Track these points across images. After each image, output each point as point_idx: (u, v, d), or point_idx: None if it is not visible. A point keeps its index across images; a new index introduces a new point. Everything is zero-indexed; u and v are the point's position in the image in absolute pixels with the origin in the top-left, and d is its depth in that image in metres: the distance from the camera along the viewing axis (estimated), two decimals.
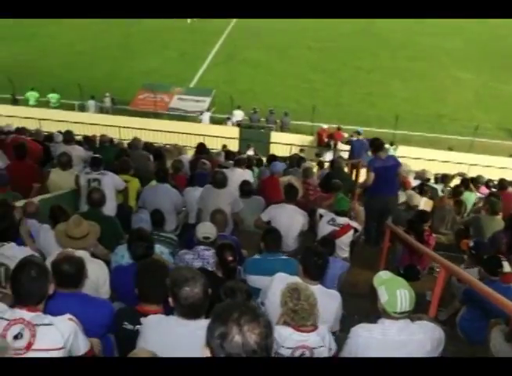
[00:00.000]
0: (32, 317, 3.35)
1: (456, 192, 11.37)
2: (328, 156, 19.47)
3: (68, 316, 3.46)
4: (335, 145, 20.88)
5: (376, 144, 9.18)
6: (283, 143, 20.53)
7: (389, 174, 9.04)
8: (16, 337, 3.25)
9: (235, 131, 22.14)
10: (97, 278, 4.86)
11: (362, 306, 6.36)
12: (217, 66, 31.05)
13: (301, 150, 19.66)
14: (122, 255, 5.95)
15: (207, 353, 2.14)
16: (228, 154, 13.86)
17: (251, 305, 2.28)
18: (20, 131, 12.51)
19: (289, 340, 3.80)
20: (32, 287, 3.41)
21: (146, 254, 5.04)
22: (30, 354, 3.25)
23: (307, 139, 22.39)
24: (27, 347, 3.24)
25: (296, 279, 4.69)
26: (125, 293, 4.80)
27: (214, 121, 24.46)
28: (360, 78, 29.51)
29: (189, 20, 38.85)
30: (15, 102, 25.67)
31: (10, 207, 5.61)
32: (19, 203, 7.04)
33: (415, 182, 12.50)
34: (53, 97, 25.82)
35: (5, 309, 3.45)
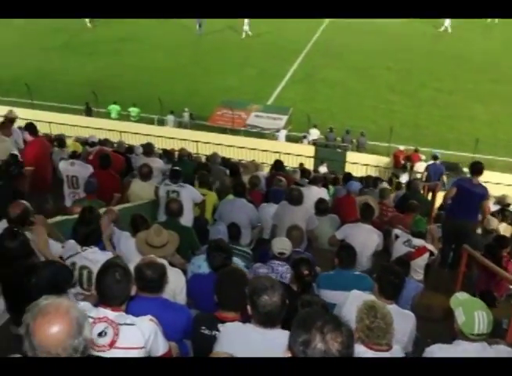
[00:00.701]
0: (116, 316, 3.50)
1: None
2: (404, 178, 19.23)
3: (149, 317, 3.60)
4: (411, 167, 20.62)
5: (476, 168, 8.97)
6: (359, 163, 20.44)
7: (473, 200, 8.87)
8: (100, 334, 3.41)
9: (310, 150, 22.19)
10: (175, 285, 4.99)
11: (434, 330, 6.26)
12: (295, 85, 31.20)
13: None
14: (199, 265, 6.08)
15: None
16: (304, 172, 13.93)
17: (334, 314, 2.32)
18: (104, 142, 12.94)
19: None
20: (116, 288, 3.57)
21: (225, 265, 5.14)
22: (113, 351, 3.39)
23: (383, 160, 22.19)
24: (110, 344, 3.39)
25: (371, 297, 4.68)
26: (203, 300, 4.92)
27: (290, 138, 24.57)
28: (440, 100, 29.02)
29: (243, 34, 39.59)
30: (88, 112, 26.48)
31: (96, 213, 5.82)
32: (102, 210, 7.31)
33: (494, 207, 12.18)
34: (134, 111, 26.54)
35: (90, 307, 3.62)
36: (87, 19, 41.66)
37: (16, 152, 10.02)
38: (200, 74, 32.29)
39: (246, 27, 39.47)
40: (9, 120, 11.26)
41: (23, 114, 22.61)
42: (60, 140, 12.76)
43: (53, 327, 2.39)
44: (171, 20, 40.95)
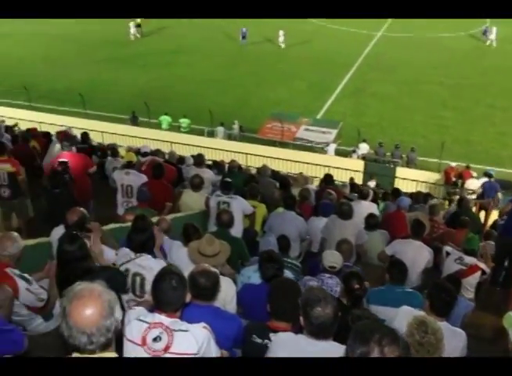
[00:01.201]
0: (170, 323, 3.57)
1: None
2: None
3: (203, 324, 3.66)
4: (462, 184, 20.29)
5: None
6: (409, 179, 20.22)
7: None
8: (155, 339, 3.49)
9: (360, 165, 22.04)
10: (225, 294, 5.05)
11: (485, 349, 6.16)
12: (345, 99, 31.11)
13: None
14: (248, 276, 6.13)
15: None
16: (354, 186, 13.89)
17: (391, 327, 2.33)
18: (156, 152, 13.17)
19: None
20: (172, 295, 3.65)
21: (277, 275, 5.18)
22: (167, 356, 3.46)
23: (433, 177, 21.87)
24: (164, 349, 3.47)
25: (422, 313, 4.65)
26: (254, 310, 4.97)
27: (339, 152, 24.49)
28: (493, 117, 28.50)
29: (282, 46, 39.76)
30: (134, 120, 26.88)
31: (148, 221, 5.94)
32: (154, 219, 7.44)
33: None
34: (184, 122, 26.80)
35: (145, 313, 3.71)
36: (131, 31, 42.62)
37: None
38: (250, 86, 32.56)
39: (281, 39, 39.84)
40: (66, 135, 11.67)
41: (77, 123, 23.30)
42: (113, 150, 13.06)
43: (87, 309, 2.64)
44: (222, 32, 41.51)
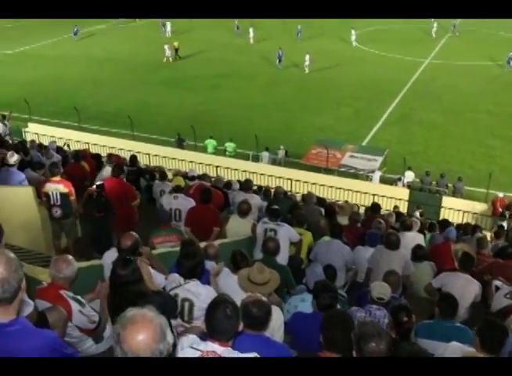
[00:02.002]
0: (223, 351, 3.62)
1: None
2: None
3: (254, 354, 3.69)
4: (510, 215, 19.93)
5: None
6: (455, 209, 19.98)
7: None
8: None
9: (405, 193, 21.85)
10: (274, 323, 5.07)
11: None
12: (391, 126, 30.95)
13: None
14: (295, 305, 6.15)
15: None
16: (399, 216, 13.78)
17: None
18: (203, 177, 13.32)
19: None
20: (226, 323, 3.70)
21: (332, 305, 5.19)
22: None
23: (480, 207, 21.55)
24: None
25: (472, 350, 4.60)
26: (304, 339, 4.98)
27: (384, 180, 24.34)
28: None
29: (306, 70, 39.84)
30: (180, 143, 27.15)
31: (198, 247, 6.02)
32: (202, 244, 7.52)
33: None
34: (230, 146, 26.94)
35: (198, 341, 3.76)
36: (166, 53, 43.34)
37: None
38: (296, 112, 32.69)
39: (306, 63, 40.01)
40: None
41: (125, 145, 23.75)
42: (162, 173, 13.22)
43: (141, 334, 2.69)
44: (266, 57, 41.86)
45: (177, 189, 10.86)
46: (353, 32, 46.92)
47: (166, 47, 43.37)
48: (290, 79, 38.69)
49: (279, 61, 41.40)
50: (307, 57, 39.76)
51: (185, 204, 10.12)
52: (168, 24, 51.68)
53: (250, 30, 48.06)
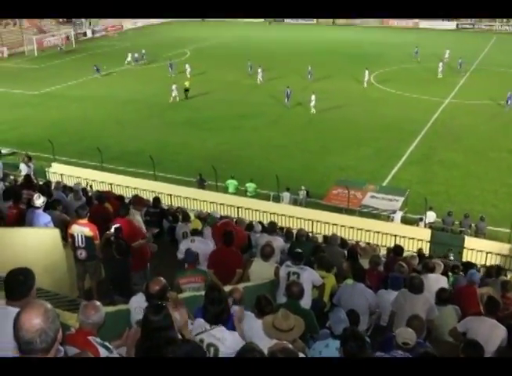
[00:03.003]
0: None
1: None
2: None
3: None
4: None
5: None
6: (478, 250, 19.78)
7: None
8: None
9: (427, 234, 21.70)
10: None
11: None
12: (411, 166, 30.93)
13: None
14: (320, 351, 6.15)
15: None
16: (422, 258, 13.71)
17: None
18: (226, 219, 13.40)
19: None
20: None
21: (359, 354, 5.17)
22: None
23: (504, 247, 21.30)
24: None
25: None
26: None
27: (405, 220, 24.24)
28: None
29: (312, 110, 40.05)
30: (201, 183, 27.25)
31: (224, 293, 6.06)
32: (226, 288, 7.55)
33: None
34: (250, 186, 27.01)
35: None
36: (173, 94, 43.85)
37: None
38: (317, 152, 32.86)
39: (312, 103, 40.28)
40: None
41: (147, 186, 23.98)
42: (185, 214, 13.34)
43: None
44: (292, 99, 42.25)
45: (194, 233, 10.92)
46: (366, 73, 47.31)
47: (173, 87, 43.96)
48: (311, 120, 38.95)
49: (287, 99, 42.01)
50: (312, 97, 40.16)
51: (202, 247, 10.24)
52: (174, 64, 53.16)
53: (259, 70, 48.93)
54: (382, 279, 10.51)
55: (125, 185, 23.83)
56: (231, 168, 29.16)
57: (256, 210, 22.07)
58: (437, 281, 10.31)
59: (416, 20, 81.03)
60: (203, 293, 7.39)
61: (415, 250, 18.31)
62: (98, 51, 67.74)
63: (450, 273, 12.80)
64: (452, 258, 17.51)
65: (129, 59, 58.10)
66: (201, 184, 27.17)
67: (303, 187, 26.24)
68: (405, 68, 52.52)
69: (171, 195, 23.51)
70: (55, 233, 10.32)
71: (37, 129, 37.93)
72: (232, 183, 27.09)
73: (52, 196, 14.34)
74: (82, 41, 75.25)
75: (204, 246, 10.46)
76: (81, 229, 10.68)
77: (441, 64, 49.77)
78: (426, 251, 19.40)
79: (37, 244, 10.08)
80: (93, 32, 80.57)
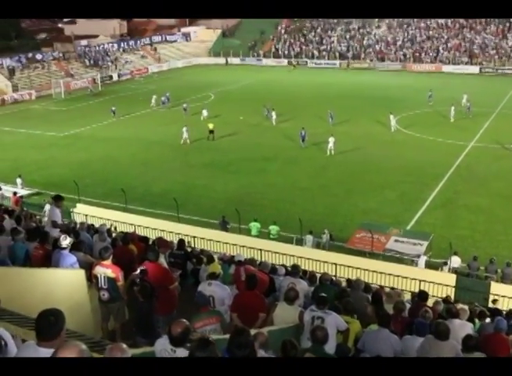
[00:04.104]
0: None
1: None
2: None
3: None
4: None
5: None
6: (505, 296, 19.45)
7: None
8: None
9: (451, 279, 21.43)
10: None
11: None
12: (435, 210, 30.73)
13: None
14: None
15: None
16: (446, 303, 13.53)
17: None
18: (250, 262, 13.39)
19: None
20: None
21: None
22: None
23: None
24: None
25: None
26: None
27: (429, 265, 23.98)
28: None
29: (327, 153, 40.15)
30: (224, 225, 27.26)
31: (250, 336, 6.02)
32: (252, 332, 7.52)
33: None
34: (273, 229, 26.97)
35: None
36: (183, 135, 44.37)
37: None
38: (340, 195, 32.92)
39: (330, 145, 40.62)
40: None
41: (171, 228, 24.08)
42: (209, 257, 13.37)
43: None
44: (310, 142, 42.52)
45: (211, 276, 10.86)
46: (391, 117, 47.23)
47: (184, 129, 44.38)
48: (335, 163, 39.05)
49: (303, 141, 42.75)
50: (330, 139, 40.54)
51: (218, 291, 10.25)
52: (188, 106, 54.32)
53: (273, 113, 49.60)
54: (407, 324, 10.37)
55: (149, 226, 23.93)
56: (254, 210, 29.29)
57: (279, 253, 22.00)
58: (462, 327, 10.17)
59: (439, 64, 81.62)
60: (221, 336, 7.42)
61: (440, 295, 18.07)
62: (123, 94, 69.07)
63: (476, 320, 12.60)
64: (477, 304, 17.22)
65: (153, 101, 58.95)
66: (224, 226, 27.22)
67: (326, 230, 26.18)
68: (427, 112, 52.59)
69: (194, 237, 23.56)
70: (80, 274, 10.41)
71: (63, 170, 38.55)
72: (255, 226, 27.11)
73: (79, 236, 14.48)
74: (108, 84, 76.68)
75: (221, 290, 10.46)
76: (104, 270, 10.78)
77: (452, 108, 49.45)
78: (451, 296, 19.14)
79: (62, 284, 10.17)
80: (119, 75, 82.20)
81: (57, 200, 15.00)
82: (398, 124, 47.80)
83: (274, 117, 49.59)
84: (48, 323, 4.82)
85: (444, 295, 17.80)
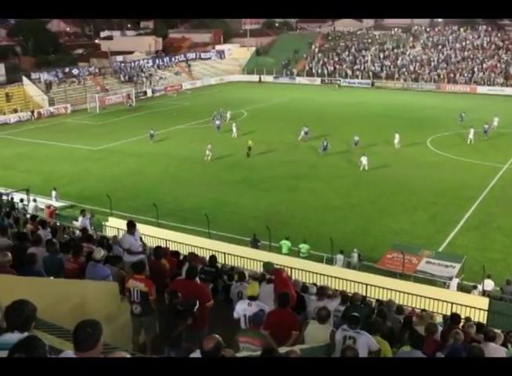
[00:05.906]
0: None
1: None
2: None
3: None
4: None
5: None
6: None
7: None
8: None
9: (484, 302, 21.12)
10: None
11: None
12: (468, 232, 30.38)
13: None
14: None
15: None
16: (480, 327, 13.35)
17: None
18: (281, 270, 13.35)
19: None
20: None
21: None
22: None
23: None
24: None
25: None
26: None
27: (461, 288, 23.68)
28: None
29: (361, 168, 40.38)
30: (255, 244, 27.21)
31: (279, 354, 6.04)
32: (282, 350, 7.52)
33: None
34: (304, 247, 26.85)
35: None
36: (207, 152, 44.47)
37: None
38: (372, 215, 32.77)
39: (364, 163, 41.09)
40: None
41: (201, 243, 24.17)
42: (240, 274, 13.40)
43: None
44: (345, 159, 42.46)
45: (251, 298, 10.73)
46: (397, 135, 47.53)
47: (209, 147, 44.60)
48: (367, 182, 38.90)
49: (324, 149, 44.58)
50: (363, 158, 41.22)
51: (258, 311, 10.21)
52: (221, 124, 54.99)
53: (302, 132, 50.31)
54: (438, 347, 10.27)
55: (181, 241, 24.05)
56: (285, 228, 29.23)
57: (309, 271, 21.91)
58: (496, 352, 10.02)
59: (474, 85, 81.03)
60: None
61: (472, 319, 17.80)
62: (157, 109, 69.87)
63: (509, 345, 12.41)
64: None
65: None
66: (255, 244, 27.21)
67: (356, 250, 26.02)
68: (461, 133, 52.13)
69: (224, 253, 23.60)
70: (113, 287, 10.54)
71: (96, 183, 39.07)
72: (285, 244, 27.01)
73: (112, 249, 14.64)
74: (142, 100, 77.60)
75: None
76: (137, 284, 10.87)
77: (472, 130, 48.95)
78: (484, 320, 18.86)
79: (96, 296, 10.31)
80: (153, 91, 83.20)
81: (130, 226, 14.43)
82: (429, 144, 47.75)
83: (302, 133, 50.20)
84: (86, 334, 4.92)
85: (476, 319, 17.54)
